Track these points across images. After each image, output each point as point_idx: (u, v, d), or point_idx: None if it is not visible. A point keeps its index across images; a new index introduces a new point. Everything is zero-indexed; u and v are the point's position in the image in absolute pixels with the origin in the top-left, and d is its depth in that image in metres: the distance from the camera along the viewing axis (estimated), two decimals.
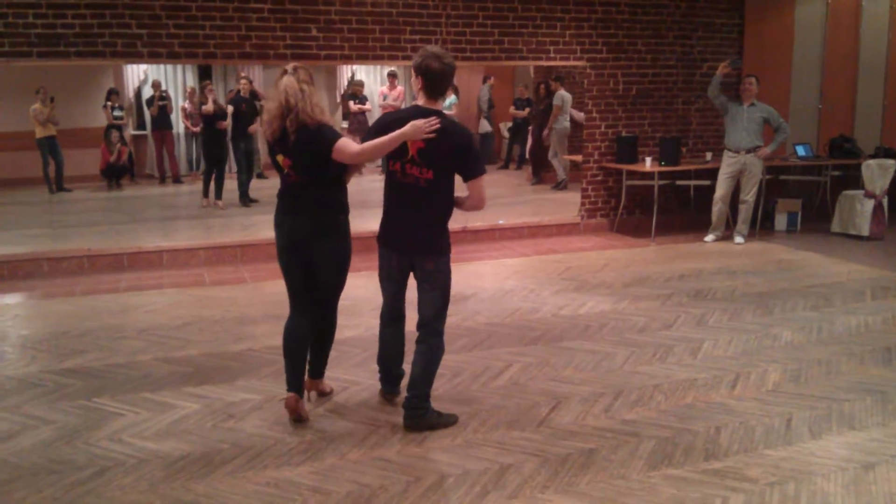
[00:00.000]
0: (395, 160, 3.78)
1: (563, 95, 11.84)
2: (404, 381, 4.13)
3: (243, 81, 11.30)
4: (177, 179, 13.81)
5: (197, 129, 12.64)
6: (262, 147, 12.98)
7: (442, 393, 4.37)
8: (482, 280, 7.01)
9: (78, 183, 12.90)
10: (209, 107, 10.37)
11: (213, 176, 10.64)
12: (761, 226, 9.02)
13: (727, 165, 8.46)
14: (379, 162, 12.50)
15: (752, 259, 7.81)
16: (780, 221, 9.23)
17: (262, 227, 8.62)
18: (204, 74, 14.43)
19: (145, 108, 13.92)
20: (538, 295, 6.48)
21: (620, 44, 8.88)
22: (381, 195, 4.03)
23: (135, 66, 14.11)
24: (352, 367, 4.80)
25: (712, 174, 8.79)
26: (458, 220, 7.96)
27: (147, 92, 13.99)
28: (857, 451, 3.69)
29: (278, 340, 4.15)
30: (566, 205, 10.09)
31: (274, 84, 3.80)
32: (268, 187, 11.20)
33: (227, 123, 10.65)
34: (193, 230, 9.11)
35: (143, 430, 3.96)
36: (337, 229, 3.90)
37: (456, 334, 5.37)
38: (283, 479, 3.46)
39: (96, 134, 13.31)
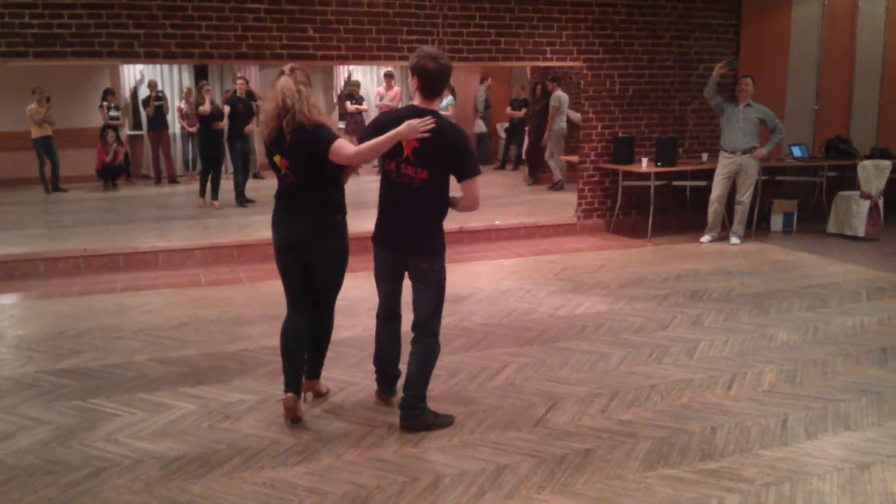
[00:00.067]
0: (390, 160, 3.78)
1: (560, 96, 11.84)
2: (401, 382, 4.13)
3: (240, 81, 11.28)
4: (173, 180, 13.79)
5: (193, 130, 12.63)
6: (258, 147, 12.97)
7: (438, 393, 4.37)
8: (479, 280, 7.01)
9: (74, 183, 12.88)
10: (206, 107, 10.36)
11: (210, 176, 10.64)
12: (757, 226, 9.03)
13: (723, 166, 8.47)
14: (376, 162, 12.52)
15: (749, 260, 7.83)
16: (776, 222, 9.25)
17: (258, 228, 8.61)
18: (200, 74, 14.40)
19: (141, 108, 13.90)
20: (535, 295, 6.49)
21: (617, 44, 8.89)
22: (377, 196, 4.03)
23: (131, 67, 14.09)
24: (348, 368, 4.79)
25: (708, 175, 8.81)
26: (454, 221, 7.97)
27: (143, 92, 13.97)
28: (852, 452, 3.70)
29: (275, 341, 4.15)
30: (563, 205, 10.10)
31: (271, 85, 3.80)
32: (264, 188, 11.18)
33: (224, 124, 10.64)
34: (190, 230, 9.10)
35: (139, 431, 3.95)
36: (335, 229, 3.90)
37: (452, 335, 5.38)
38: (280, 479, 3.46)
39: (92, 134, 13.28)
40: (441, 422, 3.97)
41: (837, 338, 5.40)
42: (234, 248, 7.92)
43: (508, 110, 14.67)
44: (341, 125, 14.11)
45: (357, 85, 14.33)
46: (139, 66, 14.09)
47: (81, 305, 6.31)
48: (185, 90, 13.65)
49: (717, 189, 8.54)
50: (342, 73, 15.80)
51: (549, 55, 8.63)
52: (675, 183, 9.20)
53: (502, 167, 15.34)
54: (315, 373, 4.27)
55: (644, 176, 8.87)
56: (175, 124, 14.02)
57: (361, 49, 7.85)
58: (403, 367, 4.09)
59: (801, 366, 4.85)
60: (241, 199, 10.77)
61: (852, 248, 8.38)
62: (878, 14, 9.90)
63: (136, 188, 13.28)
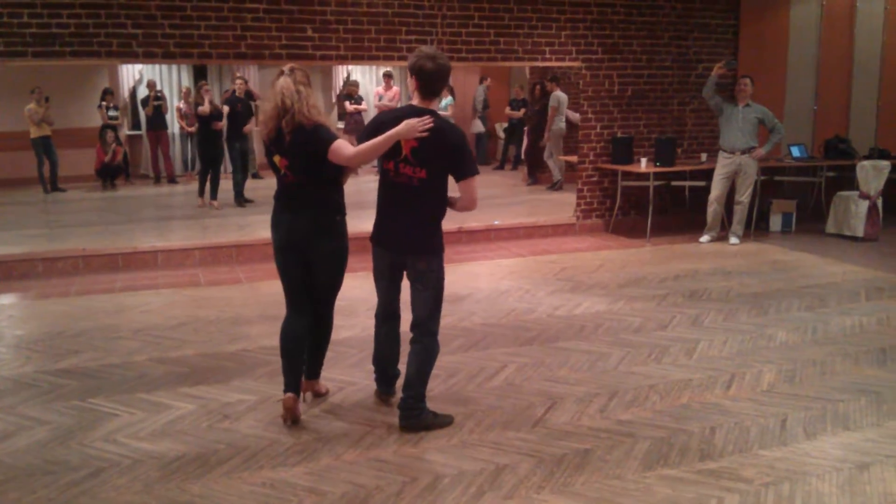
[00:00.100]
0: (388, 159, 3.78)
1: (559, 96, 11.85)
2: (400, 382, 4.13)
3: (238, 81, 11.29)
4: (171, 179, 13.80)
5: (192, 130, 12.63)
6: (257, 147, 12.97)
7: (438, 393, 4.37)
8: (478, 281, 7.01)
9: (73, 183, 12.88)
10: (205, 108, 10.36)
11: (209, 176, 10.63)
12: (756, 226, 9.04)
13: (722, 166, 8.48)
14: (375, 162, 12.52)
15: (747, 260, 7.83)
16: (775, 222, 9.25)
17: (257, 228, 8.61)
18: (199, 74, 14.41)
19: (140, 108, 13.90)
20: (534, 295, 6.49)
21: (616, 44, 8.89)
22: (376, 196, 4.03)
23: (130, 66, 14.09)
24: (348, 368, 4.79)
25: (707, 175, 8.81)
26: (453, 221, 7.98)
27: (142, 92, 13.97)
28: (851, 452, 3.71)
29: (274, 341, 4.15)
30: (562, 205, 10.10)
31: (271, 85, 3.80)
32: (263, 188, 11.18)
33: (223, 124, 10.64)
34: (189, 230, 9.10)
35: (138, 431, 3.95)
36: (335, 229, 3.90)
37: (452, 335, 5.37)
38: (279, 479, 3.46)
39: (91, 134, 13.29)
40: (440, 422, 3.97)
41: (836, 338, 5.40)
42: (234, 248, 7.91)
43: (507, 110, 14.68)
44: (340, 125, 14.12)
45: (356, 85, 14.34)
46: (138, 66, 14.10)
47: (80, 305, 6.30)
48: (183, 90, 13.65)
49: (716, 189, 8.54)
50: (341, 73, 15.80)
51: (547, 55, 8.64)
52: (674, 183, 9.21)
53: (501, 167, 15.34)
54: (314, 373, 4.27)
55: (643, 176, 8.87)
56: (174, 124, 14.02)
57: (360, 49, 7.85)
58: (402, 367, 4.09)
59: (800, 366, 4.85)
60: (240, 199, 10.77)
61: (851, 248, 8.38)
62: (877, 14, 9.91)
63: (134, 188, 13.28)
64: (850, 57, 9.96)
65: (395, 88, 13.50)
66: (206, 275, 7.30)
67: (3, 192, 12.32)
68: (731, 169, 8.42)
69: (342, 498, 3.30)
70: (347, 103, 13.77)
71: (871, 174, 8.67)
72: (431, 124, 3.64)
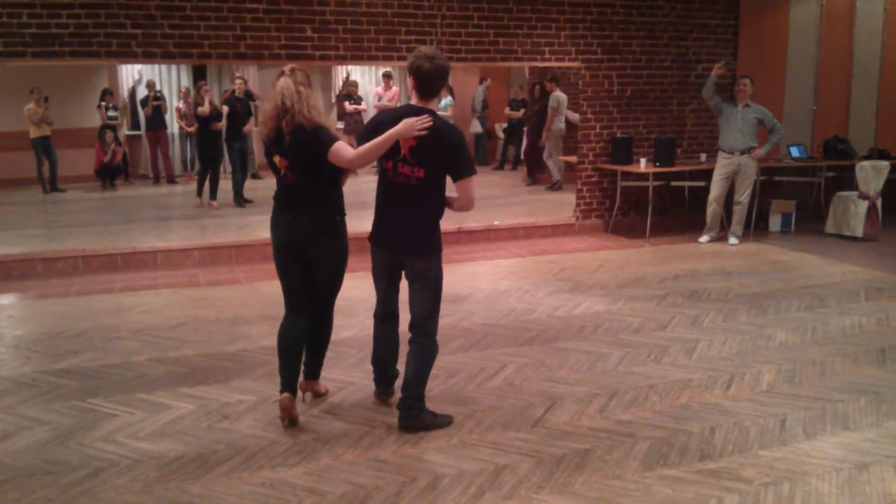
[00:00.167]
0: (387, 159, 3.78)
1: (558, 97, 11.84)
2: (399, 382, 4.13)
3: (238, 82, 11.29)
4: (171, 180, 13.79)
5: (191, 130, 12.63)
6: (256, 147, 12.97)
7: (437, 393, 4.37)
8: (477, 281, 7.01)
9: (72, 183, 12.87)
10: (205, 108, 10.36)
11: (208, 176, 10.64)
12: (755, 227, 9.04)
13: (721, 166, 8.48)
14: (374, 162, 12.48)
15: (747, 260, 7.83)
16: (775, 222, 9.25)
17: (256, 228, 8.61)
18: (198, 75, 14.41)
19: (140, 108, 13.89)
20: (533, 296, 6.49)
21: (615, 45, 8.89)
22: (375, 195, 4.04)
23: (129, 67, 14.08)
24: (347, 368, 4.79)
25: (707, 175, 8.81)
26: (453, 221, 7.99)
27: (141, 92, 13.96)
28: (851, 452, 3.71)
29: (273, 341, 4.15)
30: (561, 206, 10.10)
31: (271, 85, 3.80)
32: (262, 188, 11.18)
33: (222, 124, 10.63)
34: (188, 230, 9.10)
35: (137, 431, 3.95)
36: (335, 229, 3.90)
37: (451, 335, 5.38)
38: (278, 479, 3.46)
39: (91, 134, 13.28)
40: (440, 422, 3.97)
41: (836, 338, 5.41)
42: (233, 248, 7.91)
43: (507, 111, 14.68)
44: (340, 125, 14.12)
45: (355, 85, 14.34)
46: (137, 66, 14.09)
47: (80, 305, 6.30)
48: (183, 90, 13.65)
49: (716, 189, 8.54)
50: (340, 73, 15.80)
51: (547, 55, 8.64)
52: (674, 183, 9.21)
53: (501, 167, 15.34)
54: (314, 373, 4.27)
55: (642, 176, 8.87)
56: (173, 124, 14.01)
57: (360, 49, 7.85)
58: (401, 367, 4.09)
59: (799, 366, 4.86)
60: (240, 199, 10.77)
61: (850, 248, 8.38)
62: (876, 15, 9.91)
63: (134, 188, 13.28)
64: (849, 57, 9.96)
65: (395, 88, 13.51)
66: (205, 275, 7.30)
67: (3, 192, 12.31)
68: (731, 169, 8.42)
69: (341, 498, 3.30)
70: (347, 103, 13.77)
71: (871, 174, 8.67)
72: (430, 123, 3.64)
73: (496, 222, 8.99)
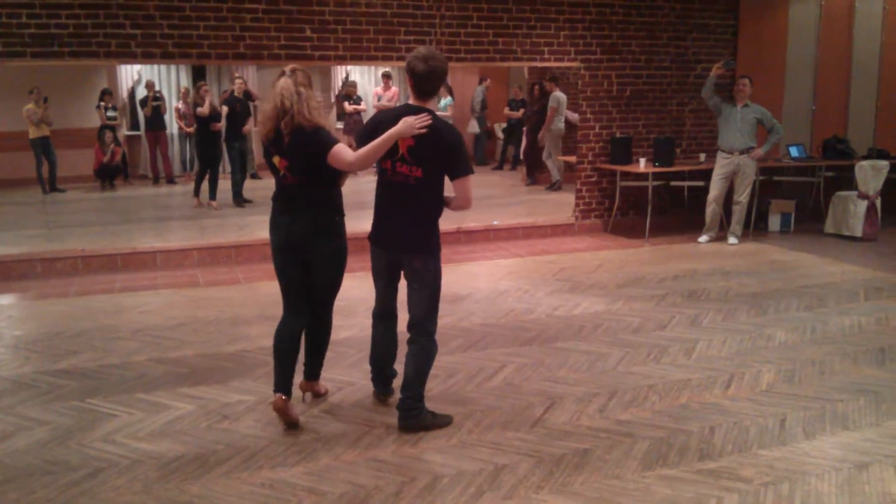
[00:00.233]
0: (385, 158, 3.79)
1: (558, 96, 11.84)
2: (397, 382, 4.13)
3: (238, 82, 11.29)
4: (170, 180, 13.79)
5: (191, 130, 12.62)
6: (256, 147, 12.97)
7: (437, 393, 4.37)
8: (477, 281, 7.01)
9: (71, 183, 12.88)
10: (204, 109, 10.36)
11: (207, 176, 10.64)
12: (755, 227, 9.04)
13: (721, 166, 8.48)
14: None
15: (746, 260, 7.83)
16: (774, 222, 9.26)
17: (256, 228, 8.61)
18: (198, 75, 14.41)
19: (139, 108, 13.90)
20: (532, 296, 6.49)
21: (615, 45, 8.90)
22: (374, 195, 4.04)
23: (128, 67, 14.09)
24: (346, 368, 4.79)
25: (706, 175, 8.82)
26: (452, 221, 8.00)
27: (141, 92, 13.97)
28: (850, 451, 3.71)
29: (272, 341, 4.14)
30: (560, 206, 10.11)
31: (272, 85, 3.80)
32: (262, 188, 11.18)
33: (222, 125, 10.63)
34: (187, 231, 9.10)
35: (137, 431, 3.95)
36: (334, 230, 3.90)
37: (450, 335, 5.38)
38: (278, 479, 3.46)
39: (90, 134, 13.28)
40: (439, 422, 3.97)
41: (835, 338, 5.41)
42: (232, 248, 7.91)
43: (506, 111, 14.68)
44: (339, 125, 14.13)
45: (354, 85, 14.34)
46: (136, 67, 14.09)
47: (79, 306, 6.30)
48: (182, 90, 13.65)
49: (715, 189, 8.55)
50: (340, 73, 15.80)
51: (546, 55, 8.64)
52: (673, 183, 9.21)
53: (500, 167, 15.34)
54: (314, 373, 4.27)
55: (642, 176, 8.88)
56: (172, 124, 14.02)
57: (359, 49, 7.85)
58: (399, 367, 4.09)
59: (799, 366, 4.86)
60: (239, 200, 10.77)
61: (850, 248, 8.39)
62: (876, 15, 9.91)
63: (133, 188, 13.28)
64: (848, 57, 9.96)
65: (394, 89, 13.51)
66: (204, 275, 7.30)
67: (2, 192, 12.31)
68: (730, 169, 8.43)
69: (341, 498, 3.30)
70: (346, 103, 13.77)
71: (870, 174, 8.67)
72: (430, 121, 3.65)
73: (495, 222, 8.99)
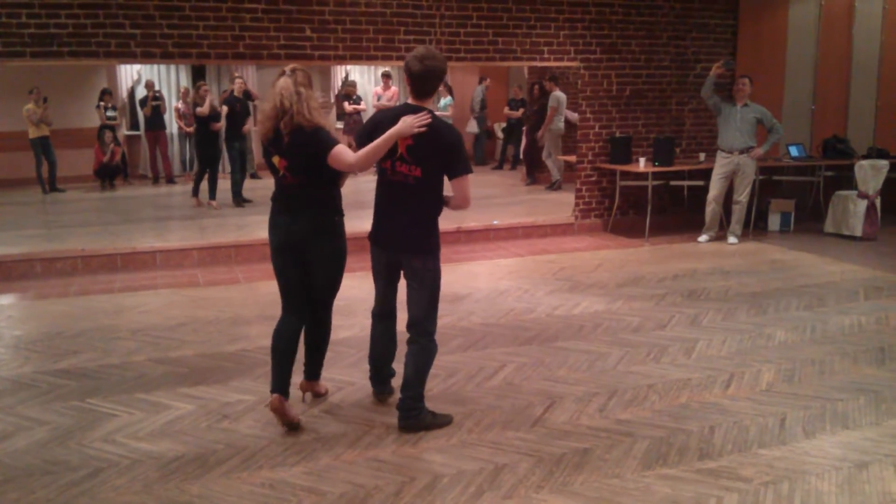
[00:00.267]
0: (385, 158, 3.79)
1: (558, 96, 11.84)
2: (396, 381, 4.13)
3: (238, 81, 11.29)
4: (170, 180, 13.79)
5: (190, 130, 12.63)
6: (256, 147, 12.96)
7: (436, 393, 4.37)
8: (476, 280, 7.01)
9: (71, 183, 12.88)
10: (204, 109, 10.35)
11: (206, 176, 10.64)
12: (755, 226, 9.05)
13: (720, 166, 8.48)
14: None
15: (746, 259, 7.84)
16: (774, 222, 9.26)
17: (255, 228, 8.61)
18: (197, 75, 14.41)
19: (139, 108, 13.90)
20: (532, 295, 6.49)
21: (614, 44, 8.90)
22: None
23: (128, 67, 14.09)
24: (346, 368, 4.79)
25: (706, 174, 8.82)
26: (452, 221, 8.00)
27: (140, 92, 13.97)
28: (850, 451, 3.71)
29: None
30: (560, 205, 10.11)
31: (272, 85, 3.79)
32: (261, 188, 11.18)
33: (221, 125, 10.63)
34: (187, 230, 9.10)
35: (137, 431, 3.95)
36: (334, 230, 3.89)
37: (450, 335, 5.38)
38: (278, 479, 3.46)
39: (90, 134, 13.28)
40: (439, 422, 3.97)
41: (835, 337, 5.41)
42: (232, 248, 7.91)
43: (506, 110, 14.68)
44: (339, 125, 14.12)
45: (353, 85, 14.33)
46: (136, 66, 14.10)
47: (79, 306, 6.30)
48: (182, 90, 13.65)
49: (715, 189, 8.55)
50: (339, 73, 15.79)
51: (546, 55, 8.64)
52: (673, 183, 9.21)
53: (500, 167, 15.34)
54: (314, 373, 4.27)
55: (641, 176, 8.88)
56: (172, 124, 14.02)
57: (359, 49, 7.85)
58: (398, 366, 4.09)
59: (798, 365, 4.86)
60: (239, 199, 10.77)
61: (849, 247, 8.39)
62: (875, 14, 9.91)
63: (133, 188, 13.28)
64: (848, 57, 9.97)
65: (394, 88, 13.50)
66: (204, 275, 7.29)
67: (2, 192, 12.31)
68: (730, 168, 8.43)
69: (341, 498, 3.30)
70: (346, 103, 13.77)
71: (870, 174, 8.67)
72: (429, 119, 3.65)
73: (495, 222, 8.99)
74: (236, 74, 12.81)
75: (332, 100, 15.69)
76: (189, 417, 4.11)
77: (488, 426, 3.99)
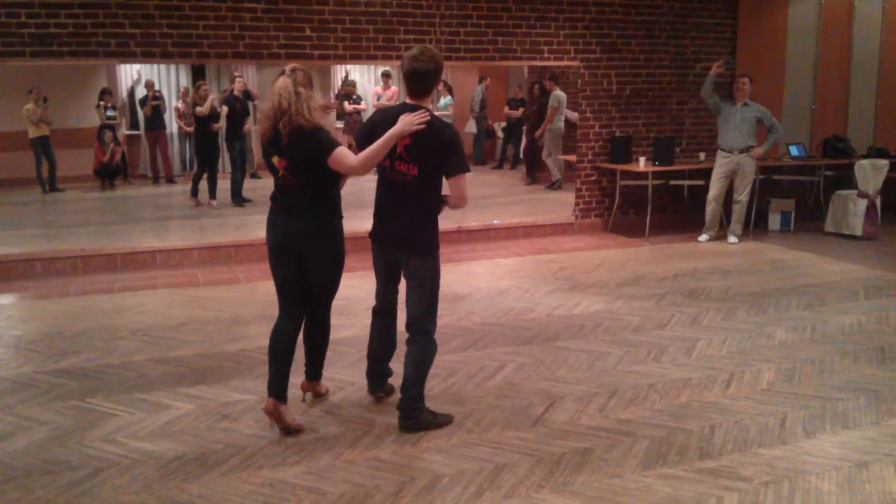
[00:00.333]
0: (384, 157, 3.79)
1: (558, 95, 11.85)
2: (396, 381, 4.12)
3: (238, 81, 11.29)
4: (170, 179, 13.79)
5: (190, 129, 12.62)
6: (255, 147, 12.96)
7: (437, 393, 4.37)
8: (477, 280, 7.01)
9: (71, 183, 12.88)
10: (204, 109, 10.35)
11: (206, 176, 10.64)
12: (755, 225, 9.05)
13: (720, 165, 8.48)
14: None
15: (746, 259, 7.83)
16: (774, 221, 9.26)
17: (255, 228, 8.61)
18: (197, 74, 14.40)
19: (138, 107, 13.89)
20: (533, 295, 6.49)
21: (614, 44, 8.89)
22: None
23: (128, 66, 14.09)
24: (346, 368, 4.79)
25: (706, 174, 8.82)
26: (452, 220, 8.00)
27: (140, 92, 13.96)
28: (851, 450, 3.71)
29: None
30: (560, 205, 10.11)
31: (271, 84, 3.78)
32: (261, 187, 11.18)
33: (221, 125, 10.62)
34: (187, 230, 9.10)
35: (137, 431, 3.95)
36: (332, 231, 3.88)
37: (450, 334, 5.37)
38: (278, 479, 3.46)
39: (89, 134, 13.28)
40: (439, 421, 3.97)
41: (835, 336, 5.41)
42: (232, 247, 7.91)
43: (506, 110, 14.68)
44: (339, 125, 14.11)
45: (353, 85, 14.33)
46: (136, 66, 14.09)
47: (79, 305, 6.30)
48: (182, 90, 13.64)
49: (715, 188, 8.55)
50: (339, 72, 15.78)
51: (546, 55, 8.64)
52: (673, 182, 9.21)
53: (500, 167, 15.34)
54: (315, 373, 4.26)
55: (641, 175, 8.88)
56: (172, 124, 14.02)
57: (359, 49, 7.85)
58: (397, 366, 4.08)
59: (799, 364, 4.86)
60: (238, 199, 10.76)
61: (850, 247, 8.39)
62: (875, 14, 9.91)
63: (133, 188, 13.27)
64: (848, 56, 9.96)
65: (394, 88, 13.50)
66: (204, 275, 7.29)
67: (2, 192, 12.31)
68: (730, 168, 8.42)
69: (341, 497, 3.30)
70: (346, 103, 13.76)
71: (870, 173, 8.68)
72: (428, 117, 3.65)
73: (495, 221, 8.99)
74: (236, 74, 12.80)
75: (332, 99, 15.68)
76: (189, 417, 4.11)
77: (488, 426, 3.99)
